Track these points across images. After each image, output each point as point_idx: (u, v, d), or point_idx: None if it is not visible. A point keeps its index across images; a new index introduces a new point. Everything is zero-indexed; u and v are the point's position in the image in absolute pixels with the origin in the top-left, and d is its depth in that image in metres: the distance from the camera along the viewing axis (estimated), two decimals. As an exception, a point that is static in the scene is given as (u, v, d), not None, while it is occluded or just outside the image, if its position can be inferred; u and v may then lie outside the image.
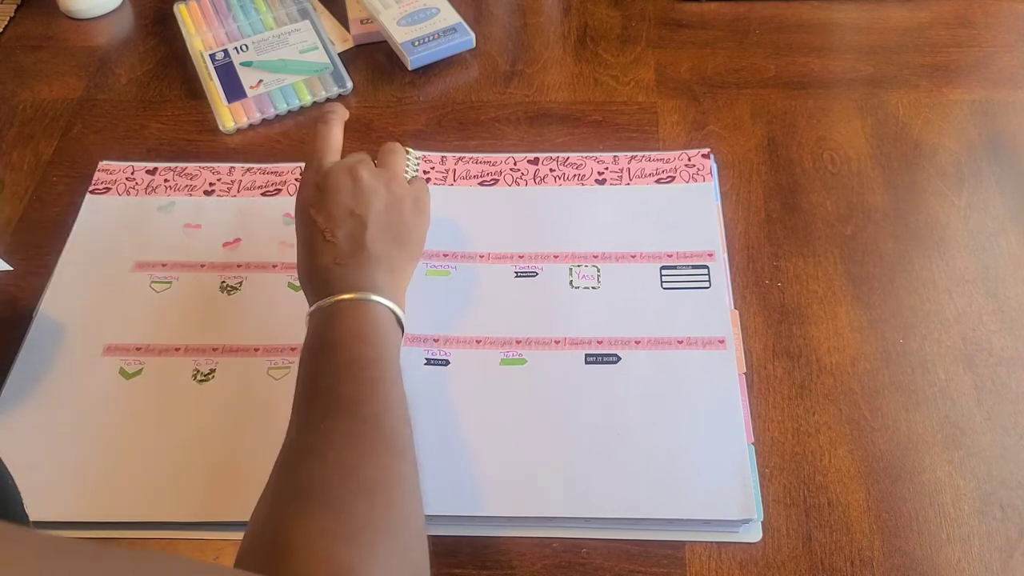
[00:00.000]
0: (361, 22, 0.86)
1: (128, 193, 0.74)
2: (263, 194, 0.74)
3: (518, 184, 0.73)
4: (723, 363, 0.62)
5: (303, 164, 0.75)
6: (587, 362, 0.62)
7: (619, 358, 0.62)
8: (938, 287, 0.66)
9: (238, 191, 0.74)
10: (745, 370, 0.62)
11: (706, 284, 0.66)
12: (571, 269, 0.67)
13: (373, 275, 0.56)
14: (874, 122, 0.77)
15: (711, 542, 0.55)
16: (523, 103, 0.80)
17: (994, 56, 0.82)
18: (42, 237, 0.72)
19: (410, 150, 0.75)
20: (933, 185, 0.73)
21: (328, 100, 0.81)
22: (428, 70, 0.83)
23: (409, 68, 0.82)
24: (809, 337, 0.64)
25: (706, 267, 0.67)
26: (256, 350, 0.64)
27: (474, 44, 0.83)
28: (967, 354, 0.63)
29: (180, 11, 0.87)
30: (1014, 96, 0.78)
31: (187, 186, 0.74)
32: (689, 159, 0.74)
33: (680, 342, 0.63)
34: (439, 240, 0.69)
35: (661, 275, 0.67)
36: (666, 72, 0.82)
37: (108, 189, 0.74)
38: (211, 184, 0.74)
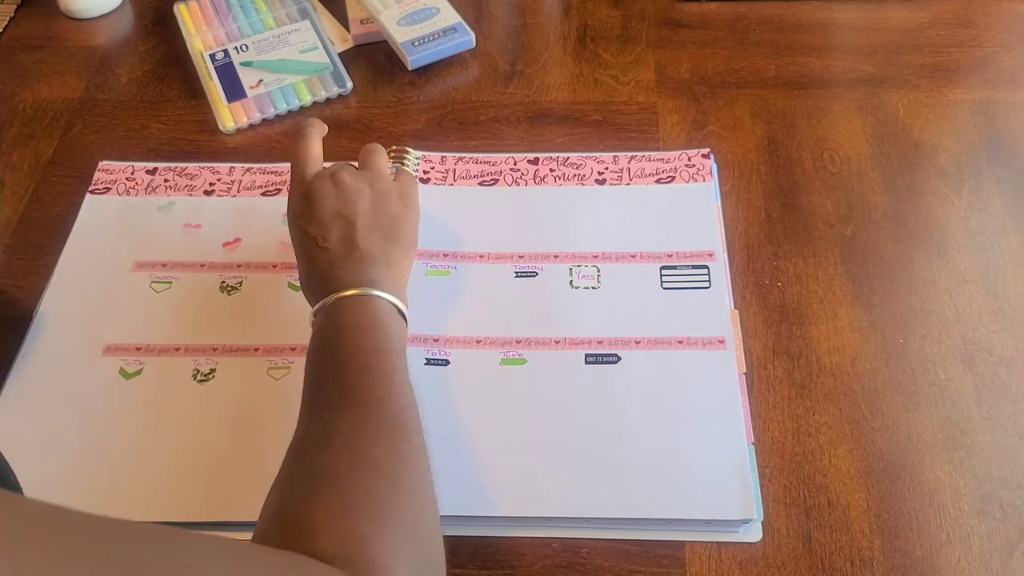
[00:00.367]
0: (361, 22, 0.86)
1: (128, 193, 0.74)
2: (263, 194, 0.74)
3: (518, 184, 0.73)
4: (723, 363, 0.62)
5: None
6: (587, 362, 0.62)
7: (619, 358, 0.62)
8: (938, 287, 0.66)
9: (238, 191, 0.74)
10: (745, 370, 0.62)
11: (706, 284, 0.66)
12: (571, 269, 0.67)
13: (370, 272, 0.57)
14: (874, 122, 0.77)
15: (711, 542, 0.55)
16: (523, 103, 0.80)
17: (994, 56, 0.82)
18: (42, 237, 0.72)
19: (409, 150, 0.75)
20: (933, 185, 0.73)
21: (328, 100, 0.81)
22: (428, 70, 0.83)
23: (409, 68, 0.82)
24: (809, 337, 0.64)
25: (706, 267, 0.67)
26: (256, 350, 0.64)
27: (474, 44, 0.83)
28: (967, 354, 0.63)
29: (180, 11, 0.87)
30: (1014, 96, 0.78)
31: (187, 186, 0.74)
32: (689, 159, 0.74)
33: (680, 342, 0.63)
34: (439, 240, 0.69)
35: (661, 275, 0.67)
36: (666, 72, 0.82)
37: (108, 189, 0.74)
38: (211, 184, 0.74)
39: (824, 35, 0.85)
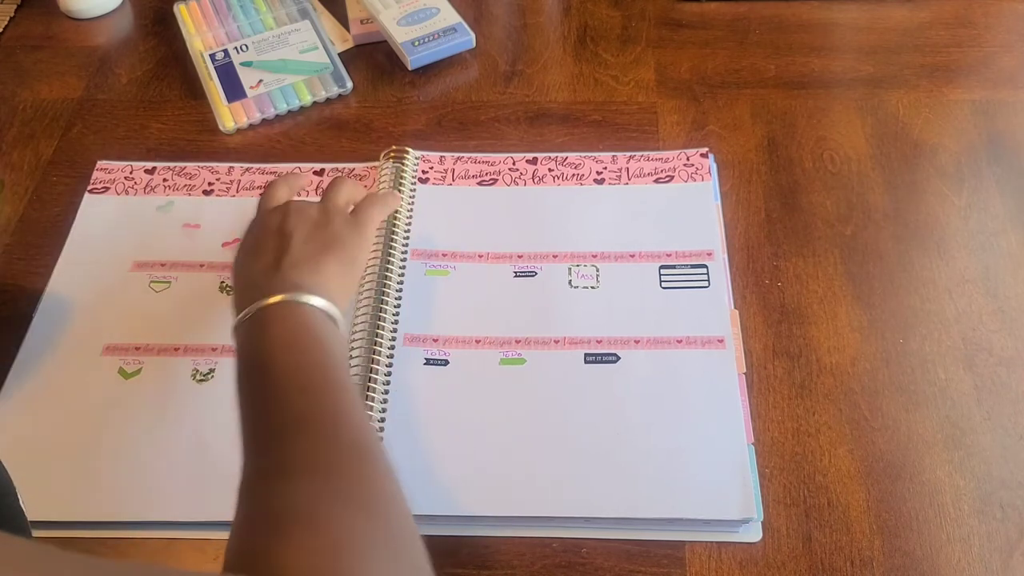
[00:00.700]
0: (361, 22, 0.86)
1: (127, 193, 0.74)
2: (263, 194, 0.73)
3: (517, 184, 0.73)
4: (723, 363, 0.62)
5: (302, 165, 0.75)
6: (586, 362, 0.62)
7: (618, 358, 0.62)
8: (938, 287, 0.66)
9: (237, 191, 0.74)
10: (745, 370, 0.62)
11: (705, 283, 0.66)
12: (570, 269, 0.67)
13: (298, 276, 0.54)
14: (874, 122, 0.77)
15: (711, 542, 0.55)
16: (523, 103, 0.80)
17: (994, 56, 0.82)
18: (42, 237, 0.72)
19: (409, 150, 0.75)
20: (933, 185, 0.72)
21: (328, 100, 0.81)
22: (428, 70, 0.83)
23: (409, 68, 0.82)
24: (809, 337, 0.64)
25: (705, 266, 0.67)
26: (255, 350, 0.64)
27: (474, 44, 0.83)
28: (967, 354, 0.63)
29: (180, 11, 0.87)
30: (1014, 96, 0.78)
31: (186, 186, 0.74)
32: (688, 159, 0.74)
33: (679, 341, 0.63)
34: (438, 240, 0.69)
35: (660, 275, 0.67)
36: (666, 72, 0.82)
37: (107, 189, 0.74)
38: (210, 184, 0.74)
39: (824, 35, 0.85)
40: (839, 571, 0.54)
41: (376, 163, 0.75)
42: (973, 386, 0.61)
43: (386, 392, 0.61)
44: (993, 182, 0.72)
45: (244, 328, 0.52)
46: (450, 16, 0.84)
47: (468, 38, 0.83)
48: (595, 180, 0.73)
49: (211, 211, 0.72)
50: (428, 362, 0.63)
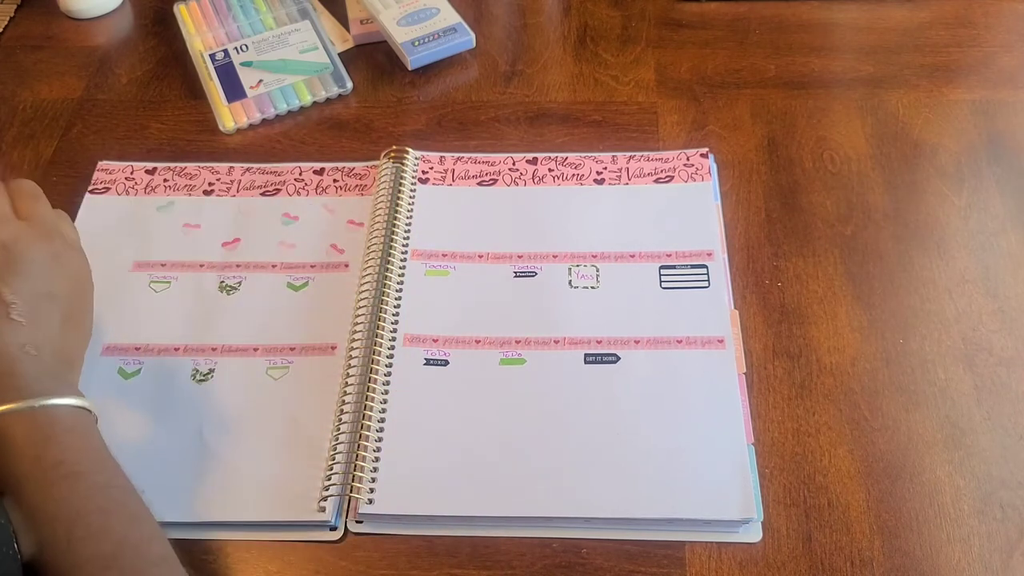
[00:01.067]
0: (361, 22, 0.86)
1: (127, 193, 0.74)
2: (263, 194, 0.74)
3: (517, 184, 0.73)
4: (723, 363, 0.62)
5: (302, 164, 0.75)
6: (586, 362, 0.62)
7: (618, 358, 0.62)
8: (938, 287, 0.66)
9: (237, 191, 0.74)
10: (745, 370, 0.62)
11: (705, 283, 0.66)
12: (570, 269, 0.67)
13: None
14: (874, 122, 0.77)
15: (711, 542, 0.55)
16: (523, 103, 0.80)
17: (994, 56, 0.82)
18: (41, 237, 0.72)
19: (409, 150, 0.75)
20: (933, 185, 0.72)
21: (328, 100, 0.81)
22: (428, 70, 0.83)
23: (409, 68, 0.82)
24: (809, 337, 0.64)
25: (705, 267, 0.67)
26: (255, 350, 0.64)
27: (474, 44, 0.83)
28: (967, 354, 0.63)
29: (180, 11, 0.87)
30: (1014, 96, 0.78)
31: (186, 186, 0.74)
32: (688, 159, 0.74)
33: (679, 342, 0.63)
34: (439, 240, 0.69)
35: (660, 275, 0.67)
36: (666, 72, 0.82)
37: (107, 189, 0.74)
38: (210, 184, 0.74)
39: (824, 35, 0.85)
40: (839, 571, 0.54)
41: (376, 163, 0.75)
42: (973, 386, 0.61)
43: (386, 392, 0.61)
44: (993, 182, 0.72)
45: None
46: (450, 16, 0.84)
47: (468, 38, 0.83)
48: (595, 180, 0.73)
49: (211, 211, 0.73)
50: (428, 362, 0.63)
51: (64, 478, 0.44)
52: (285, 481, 0.58)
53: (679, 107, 0.79)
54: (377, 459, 0.58)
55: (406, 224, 0.70)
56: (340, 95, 0.81)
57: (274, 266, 0.69)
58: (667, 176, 0.73)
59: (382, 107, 0.81)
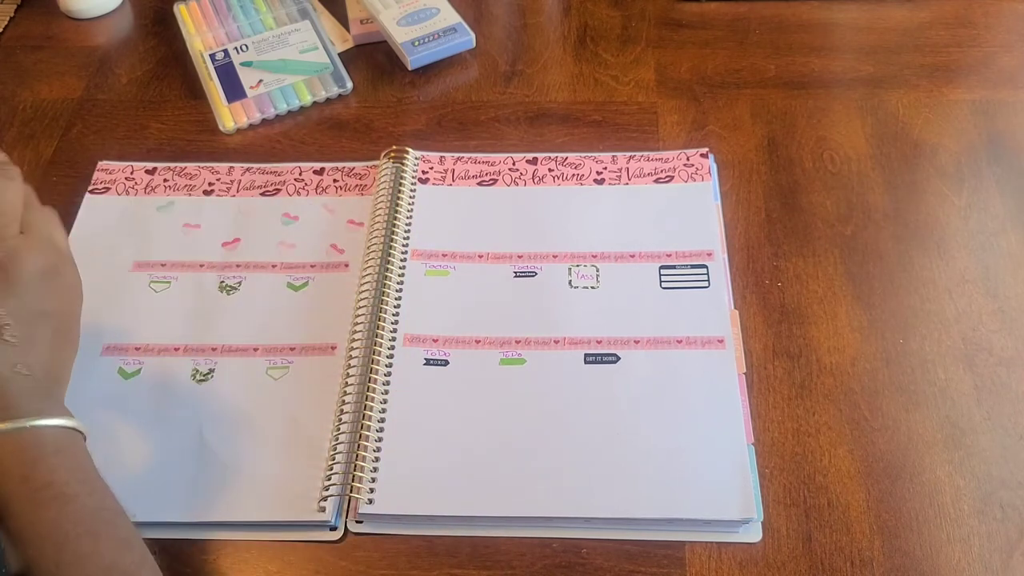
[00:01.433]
0: (361, 22, 0.86)
1: (127, 193, 0.74)
2: (262, 194, 0.74)
3: (517, 184, 0.73)
4: (723, 363, 0.62)
5: (302, 164, 0.75)
6: (586, 362, 0.62)
7: (618, 358, 0.62)
8: (938, 287, 0.66)
9: (237, 191, 0.74)
10: (745, 370, 0.62)
11: (705, 284, 0.66)
12: (570, 269, 0.67)
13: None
14: (874, 122, 0.77)
15: (711, 542, 0.55)
16: (523, 103, 0.80)
17: (994, 56, 0.82)
18: (41, 237, 0.72)
19: (409, 150, 0.75)
20: (933, 185, 0.72)
21: (328, 100, 0.81)
22: (428, 70, 0.83)
23: (409, 68, 0.82)
24: (809, 337, 0.64)
25: (705, 267, 0.67)
26: (255, 350, 0.64)
27: (474, 44, 0.83)
28: (967, 354, 0.63)
29: (180, 11, 0.87)
30: (1014, 96, 0.78)
31: (186, 186, 0.74)
32: (688, 159, 0.74)
33: (679, 342, 0.63)
34: (438, 240, 0.69)
35: (660, 275, 0.67)
36: (666, 72, 0.82)
37: (107, 189, 0.74)
38: (210, 184, 0.74)
39: (824, 35, 0.85)
40: (839, 571, 0.54)
41: (376, 163, 0.75)
42: (973, 386, 0.61)
43: (386, 392, 0.61)
44: (993, 182, 0.72)
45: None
46: (450, 16, 0.84)
47: (468, 38, 0.83)
48: (595, 180, 0.73)
49: (211, 211, 0.73)
50: (428, 362, 0.63)
51: (53, 500, 0.44)
52: (285, 481, 0.58)
53: (679, 107, 0.79)
54: (377, 459, 0.58)
55: (406, 224, 0.70)
56: (340, 95, 0.81)
57: (274, 266, 0.69)
58: (667, 176, 0.73)
59: (382, 107, 0.81)
